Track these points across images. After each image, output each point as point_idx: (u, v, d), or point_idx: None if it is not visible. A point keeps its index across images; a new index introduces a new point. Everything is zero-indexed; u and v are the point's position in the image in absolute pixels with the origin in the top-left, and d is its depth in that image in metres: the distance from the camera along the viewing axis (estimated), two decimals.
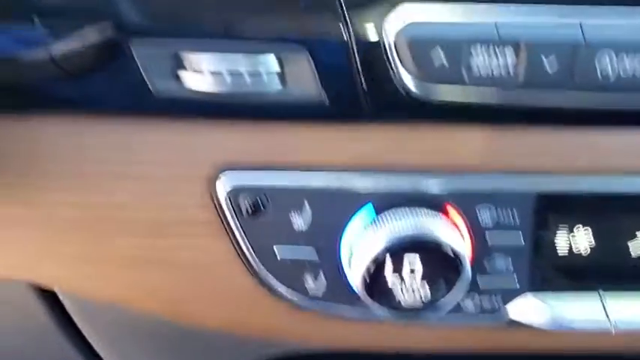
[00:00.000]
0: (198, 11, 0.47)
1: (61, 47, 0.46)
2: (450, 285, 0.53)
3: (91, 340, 0.68)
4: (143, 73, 0.48)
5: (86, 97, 0.49)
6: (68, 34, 0.46)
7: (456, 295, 0.54)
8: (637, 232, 0.57)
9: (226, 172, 0.52)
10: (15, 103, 0.49)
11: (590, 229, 0.57)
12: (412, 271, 0.53)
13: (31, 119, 0.50)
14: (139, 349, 0.70)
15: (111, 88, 0.49)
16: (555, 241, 0.57)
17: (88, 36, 0.46)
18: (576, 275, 0.58)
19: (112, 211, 0.54)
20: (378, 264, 0.52)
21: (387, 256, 0.52)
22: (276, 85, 0.49)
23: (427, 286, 0.53)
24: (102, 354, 0.72)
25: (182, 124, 0.51)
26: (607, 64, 0.49)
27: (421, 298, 0.54)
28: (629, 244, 0.57)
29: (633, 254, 0.58)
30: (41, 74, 0.47)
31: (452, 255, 0.52)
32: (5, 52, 0.46)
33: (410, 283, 0.53)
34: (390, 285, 0.53)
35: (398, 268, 0.52)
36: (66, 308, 0.63)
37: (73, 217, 0.54)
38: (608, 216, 0.56)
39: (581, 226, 0.56)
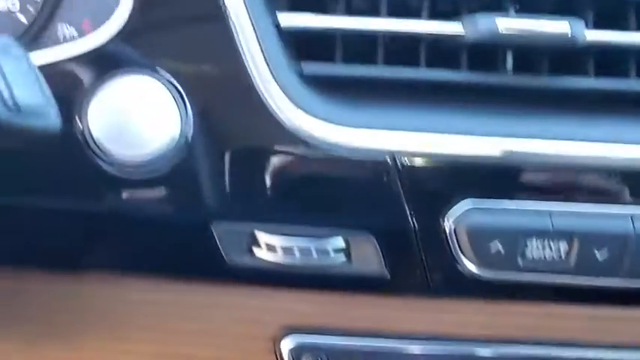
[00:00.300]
0: (274, 197, 0.52)
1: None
2: None
3: None
4: (221, 248, 0.52)
5: (174, 266, 0.54)
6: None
7: None
8: None
9: (290, 334, 0.57)
10: (118, 266, 0.55)
11: None
12: None
13: (126, 283, 0.55)
14: None
15: (192, 258, 0.54)
16: None
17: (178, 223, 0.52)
18: None
19: None
20: None
21: None
22: (341, 260, 0.53)
23: None
24: None
25: (253, 289, 0.55)
26: None
27: None
28: None
29: None
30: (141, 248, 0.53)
31: None
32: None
33: None
34: None
35: None
36: None
37: None
38: None
39: None
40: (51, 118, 0.35)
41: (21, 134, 0.34)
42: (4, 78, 0.33)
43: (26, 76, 0.34)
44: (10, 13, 0.53)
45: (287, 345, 0.57)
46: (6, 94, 0.33)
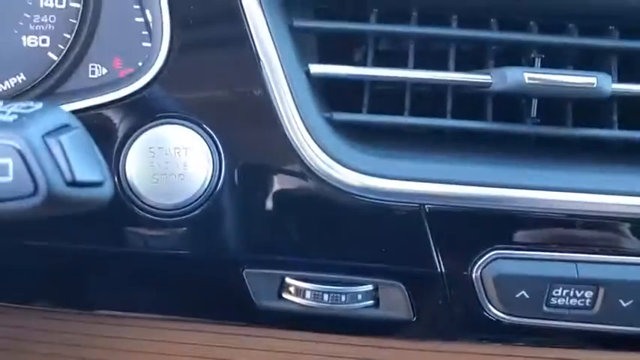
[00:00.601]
0: (303, 244, 0.52)
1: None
2: None
3: None
4: (251, 293, 0.52)
5: (204, 310, 0.54)
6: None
7: None
8: None
9: None
10: (155, 310, 0.55)
11: None
12: None
13: (159, 325, 0.55)
14: None
15: (224, 303, 0.54)
16: None
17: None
18: None
19: None
20: None
21: None
22: (369, 304, 0.53)
23: None
24: None
25: (280, 332, 0.55)
26: None
27: None
28: None
29: None
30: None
31: None
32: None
33: None
34: None
35: None
36: None
37: None
38: None
39: None
40: (106, 189, 0.36)
41: (78, 206, 0.34)
42: (64, 153, 0.33)
43: (85, 149, 0.35)
44: (40, 49, 0.53)
45: None
46: (65, 170, 0.33)
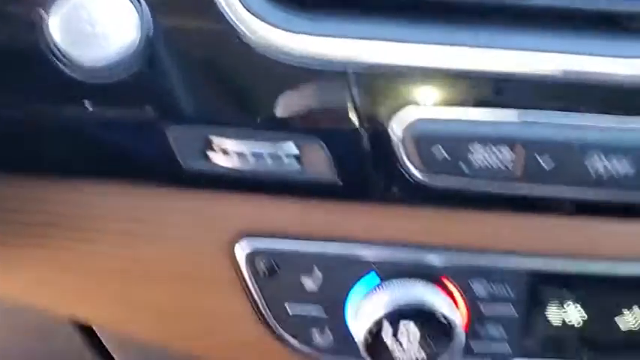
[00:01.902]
0: (228, 102, 0.53)
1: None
2: (443, 350, 0.59)
3: None
4: (176, 153, 0.54)
5: (130, 170, 0.56)
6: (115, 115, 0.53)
7: (449, 358, 0.59)
8: (624, 309, 0.62)
9: (245, 238, 0.59)
10: (77, 170, 0.56)
11: (579, 306, 0.61)
12: (409, 335, 0.58)
13: (84, 186, 0.57)
14: None
15: (150, 163, 0.55)
16: (546, 314, 0.61)
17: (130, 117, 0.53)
18: (565, 346, 0.63)
19: (144, 265, 0.60)
20: (378, 328, 0.58)
21: (386, 321, 0.57)
22: (294, 166, 0.55)
23: (422, 351, 0.59)
24: None
25: (208, 195, 0.57)
26: (598, 165, 0.53)
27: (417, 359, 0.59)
28: (617, 319, 0.62)
29: (623, 328, 0.62)
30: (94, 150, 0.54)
31: (445, 322, 0.58)
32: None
33: (407, 346, 0.58)
34: (389, 347, 0.58)
35: (396, 333, 0.58)
36: (103, 342, 0.71)
37: (108, 267, 0.61)
38: (596, 295, 0.61)
39: (570, 302, 0.61)
40: None
41: None
42: None
43: None
44: None
45: (241, 249, 0.59)
46: None
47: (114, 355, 0.72)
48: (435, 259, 0.59)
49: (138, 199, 0.58)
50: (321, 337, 0.62)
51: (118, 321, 0.65)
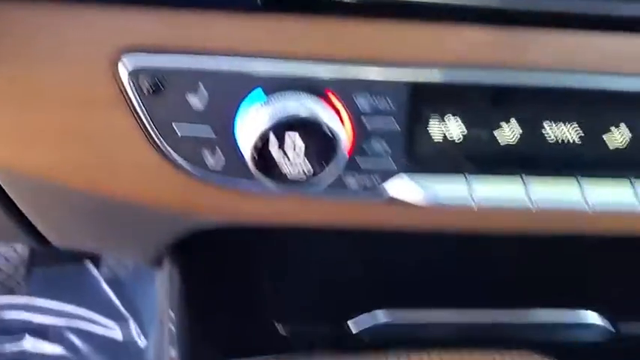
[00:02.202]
0: None
1: None
2: (327, 161, 0.61)
3: (24, 211, 0.75)
4: None
5: None
6: None
7: (335, 170, 0.61)
8: (501, 123, 0.65)
9: (127, 54, 0.58)
10: None
11: (459, 119, 0.64)
12: (295, 147, 0.60)
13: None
14: (69, 220, 0.78)
15: None
16: (427, 128, 0.64)
17: None
18: (448, 159, 0.66)
19: (27, 86, 0.59)
20: (265, 140, 0.59)
21: (271, 133, 0.59)
22: None
23: (308, 162, 0.60)
24: (40, 228, 0.79)
25: (88, 8, 0.56)
26: None
27: (304, 171, 0.61)
28: (495, 133, 0.65)
29: (501, 142, 0.66)
30: None
31: (329, 134, 0.59)
32: None
33: (293, 158, 0.60)
34: (276, 159, 0.60)
35: (282, 145, 0.59)
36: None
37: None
38: (475, 106, 0.64)
39: (450, 115, 0.64)
40: None
41: None
42: None
43: None
44: None
45: (124, 66, 0.59)
46: None
47: (9, 194, 0.72)
48: (319, 71, 0.60)
49: (26, 15, 0.56)
50: (212, 159, 0.63)
51: (12, 156, 0.64)
